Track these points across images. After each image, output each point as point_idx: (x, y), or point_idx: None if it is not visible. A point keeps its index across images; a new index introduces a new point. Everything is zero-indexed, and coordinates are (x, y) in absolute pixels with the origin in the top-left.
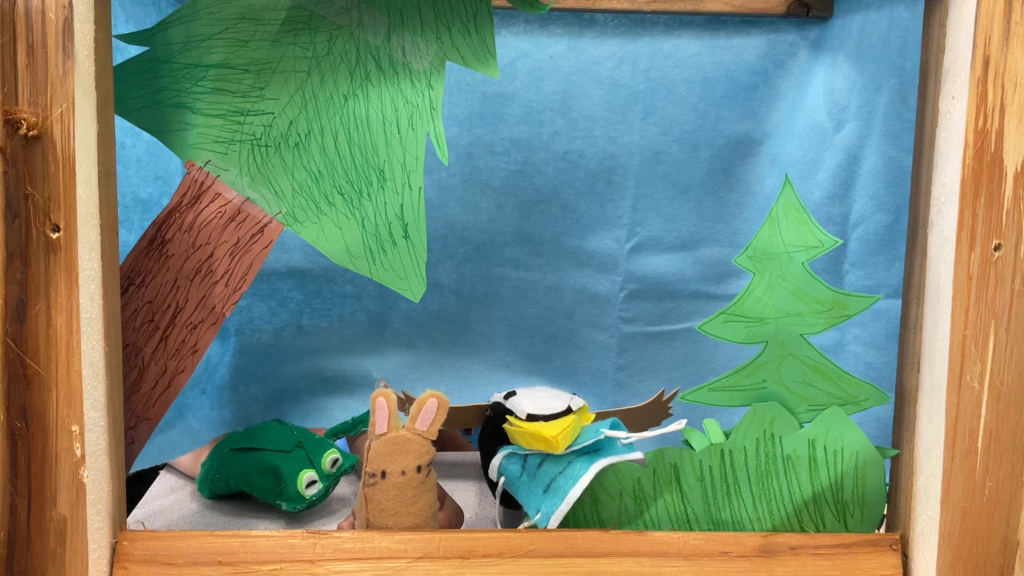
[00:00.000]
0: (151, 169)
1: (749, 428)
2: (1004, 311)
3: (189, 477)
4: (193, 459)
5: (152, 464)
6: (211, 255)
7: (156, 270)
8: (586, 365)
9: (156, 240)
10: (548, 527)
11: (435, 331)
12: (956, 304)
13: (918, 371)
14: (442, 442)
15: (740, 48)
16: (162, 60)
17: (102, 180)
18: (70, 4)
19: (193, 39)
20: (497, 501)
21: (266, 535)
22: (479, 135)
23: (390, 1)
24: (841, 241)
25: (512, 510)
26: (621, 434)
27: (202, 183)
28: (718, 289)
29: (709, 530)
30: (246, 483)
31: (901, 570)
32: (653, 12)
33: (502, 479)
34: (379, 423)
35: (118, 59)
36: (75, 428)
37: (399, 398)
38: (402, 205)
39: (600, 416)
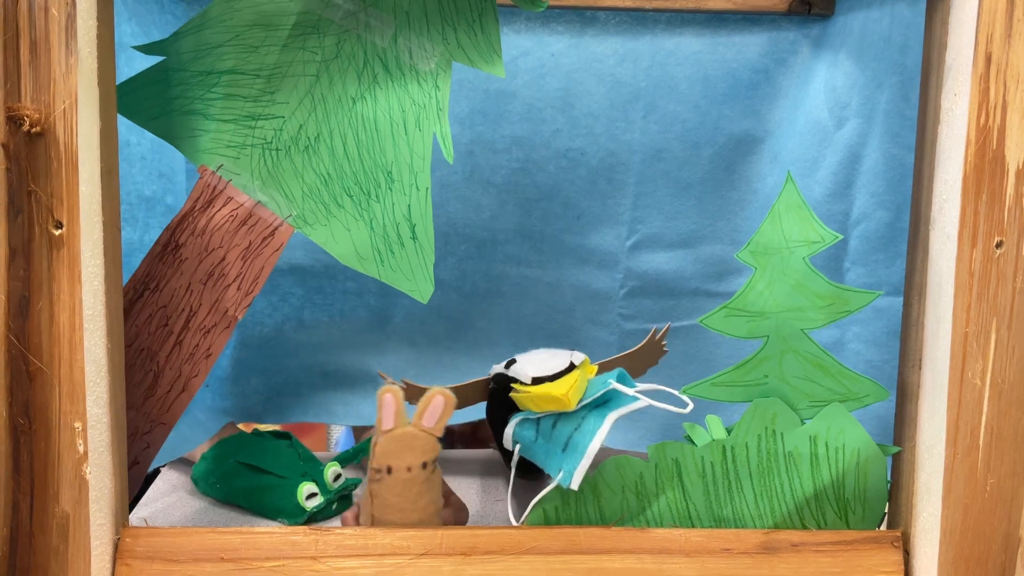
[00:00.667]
0: (155, 167)
1: (751, 424)
2: (1006, 308)
3: (187, 463)
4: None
5: (167, 461)
6: (223, 259)
7: (170, 275)
8: None
9: (170, 245)
10: (571, 485)
11: (436, 327)
12: (958, 301)
13: (920, 368)
14: (466, 438)
15: (742, 46)
16: (176, 69)
17: (105, 177)
18: (73, 1)
19: (205, 47)
20: (512, 474)
21: (268, 531)
22: (481, 132)
23: (396, 4)
24: (841, 236)
25: (528, 480)
26: (629, 390)
27: (215, 187)
28: (719, 287)
29: (711, 527)
30: (246, 502)
31: (903, 567)
32: (655, 10)
33: (518, 447)
34: (385, 419)
35: (120, 57)
36: (78, 424)
37: (402, 388)
38: (409, 206)
39: (602, 367)
